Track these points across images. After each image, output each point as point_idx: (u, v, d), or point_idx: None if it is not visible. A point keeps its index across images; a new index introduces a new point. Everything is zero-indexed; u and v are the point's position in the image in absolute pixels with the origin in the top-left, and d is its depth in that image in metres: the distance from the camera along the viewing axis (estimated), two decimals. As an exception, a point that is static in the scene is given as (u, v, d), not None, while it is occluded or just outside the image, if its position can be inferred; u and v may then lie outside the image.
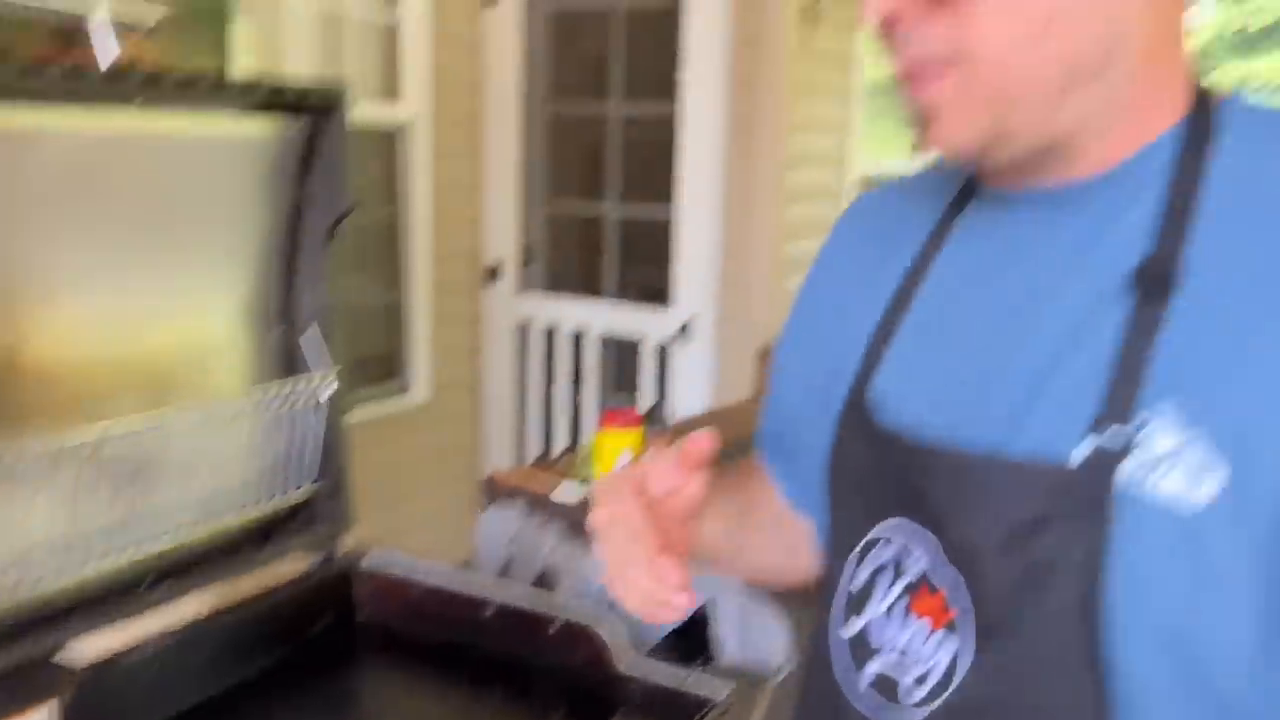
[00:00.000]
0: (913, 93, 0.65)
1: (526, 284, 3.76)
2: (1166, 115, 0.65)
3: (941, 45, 0.62)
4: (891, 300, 0.77)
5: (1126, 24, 0.62)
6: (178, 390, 1.18)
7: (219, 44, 1.66)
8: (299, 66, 2.99)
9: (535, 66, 3.63)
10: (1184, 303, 0.60)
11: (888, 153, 5.27)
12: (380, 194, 3.31)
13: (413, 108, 3.35)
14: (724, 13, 3.14)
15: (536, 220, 3.77)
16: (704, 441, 0.69)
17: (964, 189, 0.78)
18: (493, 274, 3.72)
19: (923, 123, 0.66)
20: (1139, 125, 0.65)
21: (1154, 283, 0.61)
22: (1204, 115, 0.65)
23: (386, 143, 3.35)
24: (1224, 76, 24.31)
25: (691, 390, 3.38)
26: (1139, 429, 0.59)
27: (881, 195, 0.89)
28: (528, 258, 3.74)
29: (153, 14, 1.33)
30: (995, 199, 0.73)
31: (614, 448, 1.62)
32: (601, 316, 3.60)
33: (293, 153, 1.25)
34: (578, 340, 3.63)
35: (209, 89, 1.07)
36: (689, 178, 3.29)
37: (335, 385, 1.26)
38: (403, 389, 3.46)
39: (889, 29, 0.64)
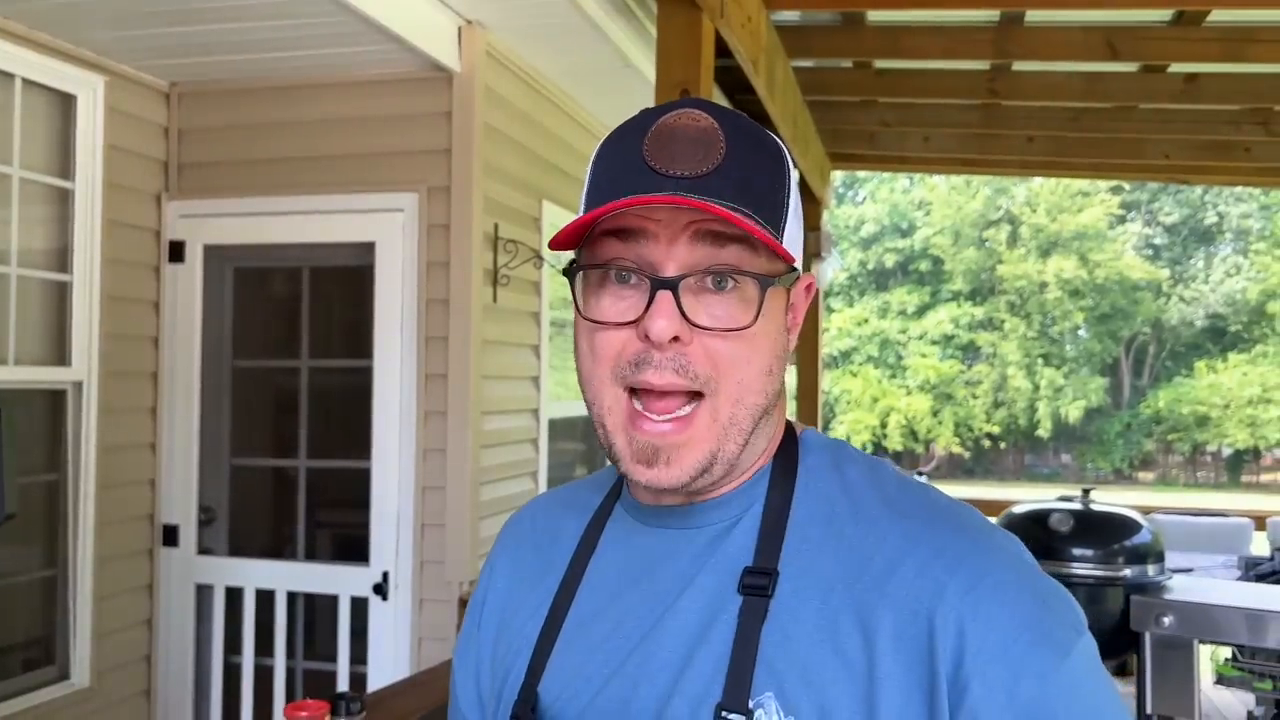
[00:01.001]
0: (647, 432, 0.76)
1: (206, 546, 3.54)
2: (772, 449, 0.84)
3: (697, 375, 0.75)
4: (552, 606, 0.87)
5: (781, 380, 0.81)
6: None
7: None
8: (-52, 330, 2.78)
9: (221, 321, 3.58)
10: (777, 605, 0.74)
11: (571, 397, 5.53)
12: (41, 460, 3.06)
13: (82, 369, 3.18)
14: (413, 273, 3.29)
15: (219, 478, 3.60)
16: None
17: (607, 498, 0.91)
18: (171, 536, 3.49)
19: (649, 459, 0.76)
20: (756, 460, 0.82)
21: (755, 590, 0.75)
22: (792, 447, 0.84)
23: (52, 404, 3.13)
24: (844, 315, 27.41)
25: (394, 645, 3.27)
26: (752, 711, 0.71)
27: (535, 508, 0.99)
28: (208, 517, 3.54)
29: None
30: (635, 510, 0.87)
31: (302, 739, 1.55)
32: (291, 576, 3.44)
33: (-62, 461, 1.17)
34: (266, 603, 3.43)
35: None
36: (383, 430, 3.31)
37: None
38: (61, 675, 3.09)
39: (654, 350, 0.74)
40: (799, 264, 0.79)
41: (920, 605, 0.71)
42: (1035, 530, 4.14)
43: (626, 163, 0.76)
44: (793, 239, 0.79)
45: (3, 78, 2.95)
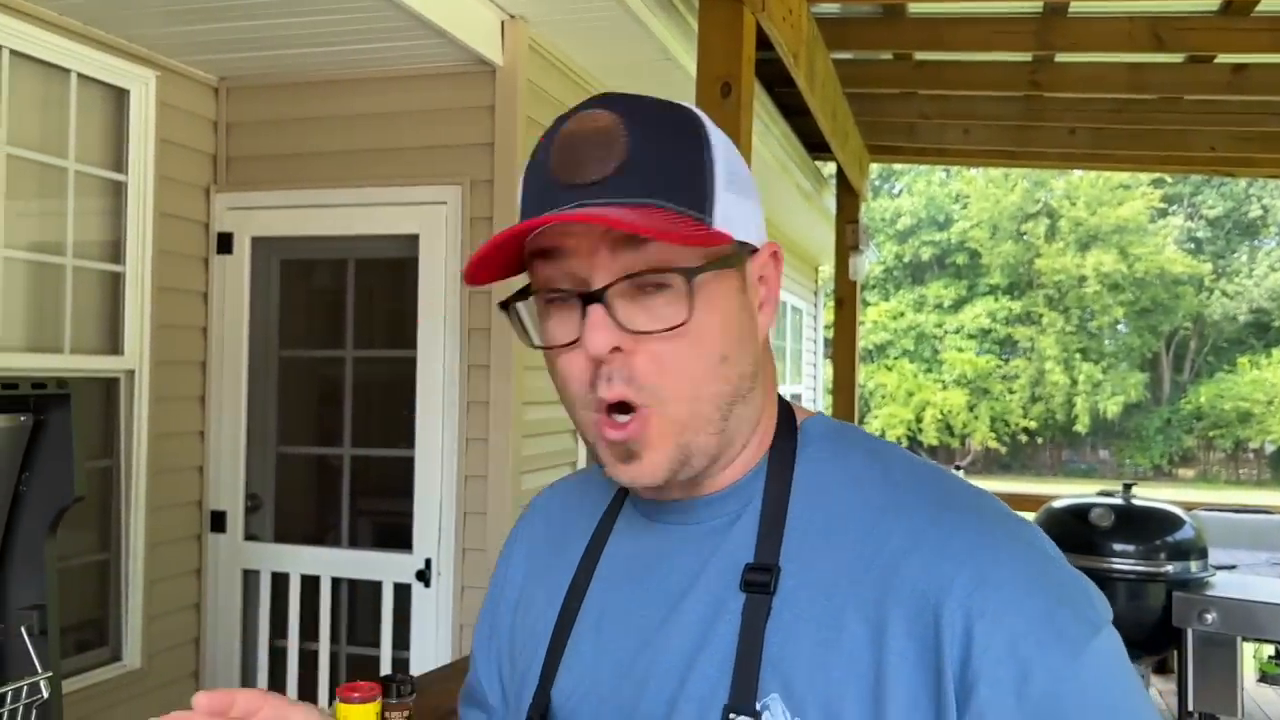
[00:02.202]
0: (612, 436, 0.76)
1: (253, 532, 3.61)
2: (767, 439, 0.81)
3: (644, 385, 0.74)
4: (565, 601, 0.87)
5: (759, 360, 0.79)
6: None
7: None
8: (12, 313, 2.86)
9: (268, 312, 3.65)
10: (779, 602, 0.73)
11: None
12: (96, 446, 3.14)
13: (134, 358, 3.25)
14: (456, 265, 3.33)
15: (266, 466, 3.67)
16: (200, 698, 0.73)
17: (619, 492, 0.90)
18: (219, 522, 3.56)
19: (624, 456, 0.76)
20: (755, 448, 0.80)
21: (757, 587, 0.74)
22: (790, 437, 0.81)
23: (106, 392, 3.21)
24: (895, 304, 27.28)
25: (436, 631, 3.32)
26: (759, 712, 0.71)
27: (553, 496, 0.99)
28: (254, 504, 3.61)
29: None
30: (640, 505, 0.86)
31: None
32: (336, 562, 3.51)
33: (14, 444, 1.22)
34: (311, 588, 3.50)
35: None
36: (426, 420, 3.36)
37: (45, 696, 1.18)
38: (114, 656, 3.17)
39: (600, 365, 0.74)
40: (747, 235, 0.76)
41: (926, 602, 0.69)
42: (1075, 525, 4.12)
43: (538, 179, 0.75)
44: (731, 215, 0.74)
45: (59, 73, 3.02)
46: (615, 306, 0.72)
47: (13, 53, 2.84)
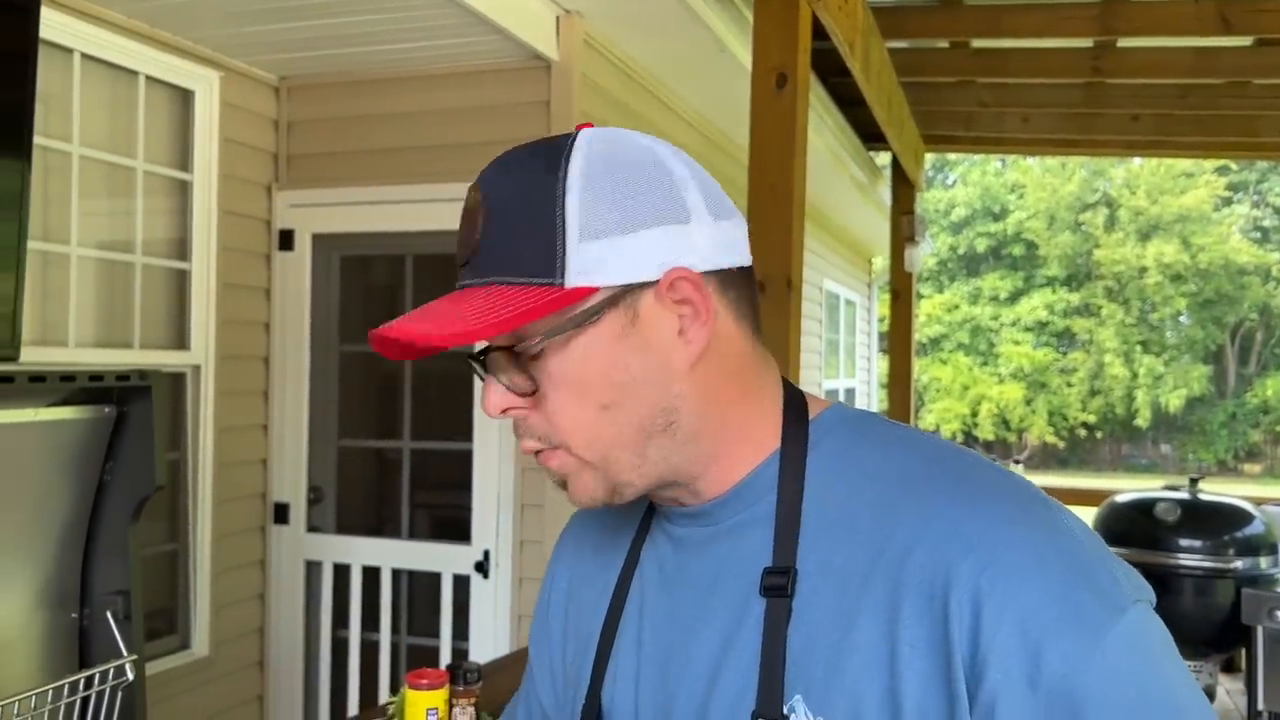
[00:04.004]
0: (544, 464, 0.80)
1: (315, 524, 3.68)
2: (769, 439, 0.80)
3: (541, 436, 0.78)
4: (609, 609, 0.88)
5: (679, 398, 0.77)
6: (-40, 690, 1.11)
7: (10, 317, 1.65)
8: (85, 310, 2.94)
9: (328, 307, 3.71)
10: (799, 603, 0.73)
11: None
12: (165, 440, 3.21)
13: (200, 353, 3.32)
14: (512, 261, 3.36)
15: (327, 459, 3.74)
16: None
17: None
18: (282, 514, 3.63)
19: (561, 484, 0.81)
20: (740, 455, 0.80)
21: (776, 591, 0.74)
22: (802, 431, 0.80)
23: (172, 387, 3.28)
24: (953, 294, 26.92)
25: (494, 622, 3.36)
26: (787, 717, 0.71)
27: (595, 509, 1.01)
28: (316, 496, 3.68)
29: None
30: (666, 514, 0.87)
31: (421, 707, 1.61)
32: (396, 553, 3.56)
33: (98, 435, 1.26)
34: (372, 579, 3.56)
35: (26, 385, 1.09)
36: (484, 414, 3.39)
37: (130, 678, 1.22)
38: (182, 644, 3.25)
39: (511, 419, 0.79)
40: (629, 274, 0.73)
41: (935, 589, 0.67)
42: (1140, 520, 4.04)
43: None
44: (597, 260, 0.73)
45: (127, 75, 3.10)
46: (498, 375, 0.77)
47: (84, 56, 2.91)
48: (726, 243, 0.78)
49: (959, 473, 0.75)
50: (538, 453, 0.79)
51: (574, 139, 0.77)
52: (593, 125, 0.79)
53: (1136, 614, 0.66)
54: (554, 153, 0.76)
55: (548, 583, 0.99)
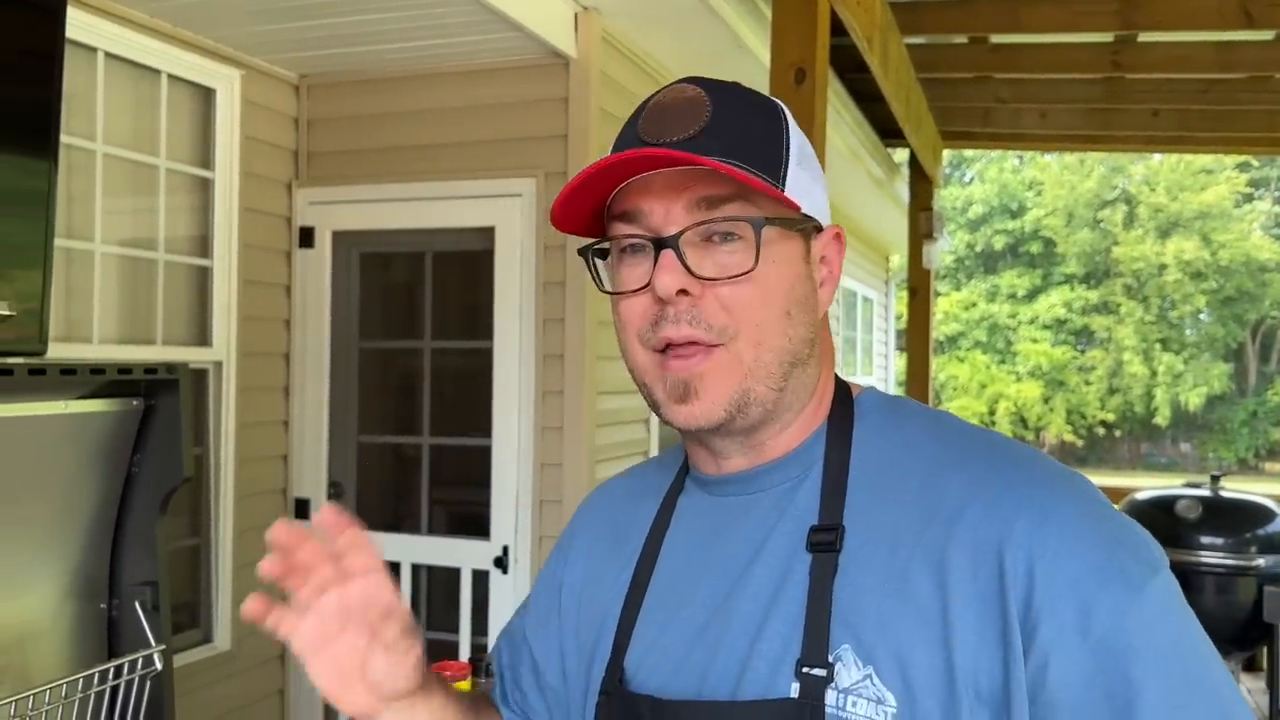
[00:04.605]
0: (674, 368, 0.80)
1: (338, 518, 3.69)
2: (824, 409, 0.86)
3: (711, 325, 0.78)
4: (632, 583, 0.90)
5: (817, 329, 0.83)
6: (-8, 678, 1.13)
7: (38, 314, 1.66)
8: (109, 307, 2.97)
9: (348, 304, 3.73)
10: (845, 559, 0.76)
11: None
12: (188, 432, 3.24)
13: (221, 349, 3.35)
14: (531, 257, 3.37)
15: (347, 455, 3.76)
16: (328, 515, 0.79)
17: (677, 477, 0.94)
18: (302, 510, 3.65)
19: (681, 395, 0.80)
20: (811, 416, 0.85)
21: (823, 547, 0.77)
22: (847, 408, 0.86)
23: (195, 383, 3.31)
24: (970, 292, 26.80)
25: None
26: (832, 665, 0.73)
27: (613, 489, 1.03)
28: (336, 492, 3.70)
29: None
30: (703, 483, 0.89)
31: (445, 697, 1.62)
32: (416, 549, 3.58)
33: (126, 428, 1.27)
34: (392, 574, 3.57)
35: (57, 377, 1.10)
36: (503, 409, 3.40)
37: (158, 668, 1.23)
38: (205, 638, 3.27)
39: (668, 305, 0.78)
40: (814, 212, 0.82)
41: (989, 545, 0.71)
42: (1160, 517, 4.02)
43: (626, 138, 0.82)
44: (800, 189, 0.80)
45: (151, 74, 3.12)
46: (685, 253, 0.77)
47: (107, 55, 2.94)
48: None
49: (995, 443, 0.81)
50: (687, 344, 0.78)
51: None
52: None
53: (1166, 574, 0.73)
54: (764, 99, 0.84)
55: (556, 565, 1.00)
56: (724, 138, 0.77)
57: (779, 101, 0.85)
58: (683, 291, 0.77)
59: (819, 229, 0.84)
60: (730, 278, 0.77)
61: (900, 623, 0.72)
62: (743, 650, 0.77)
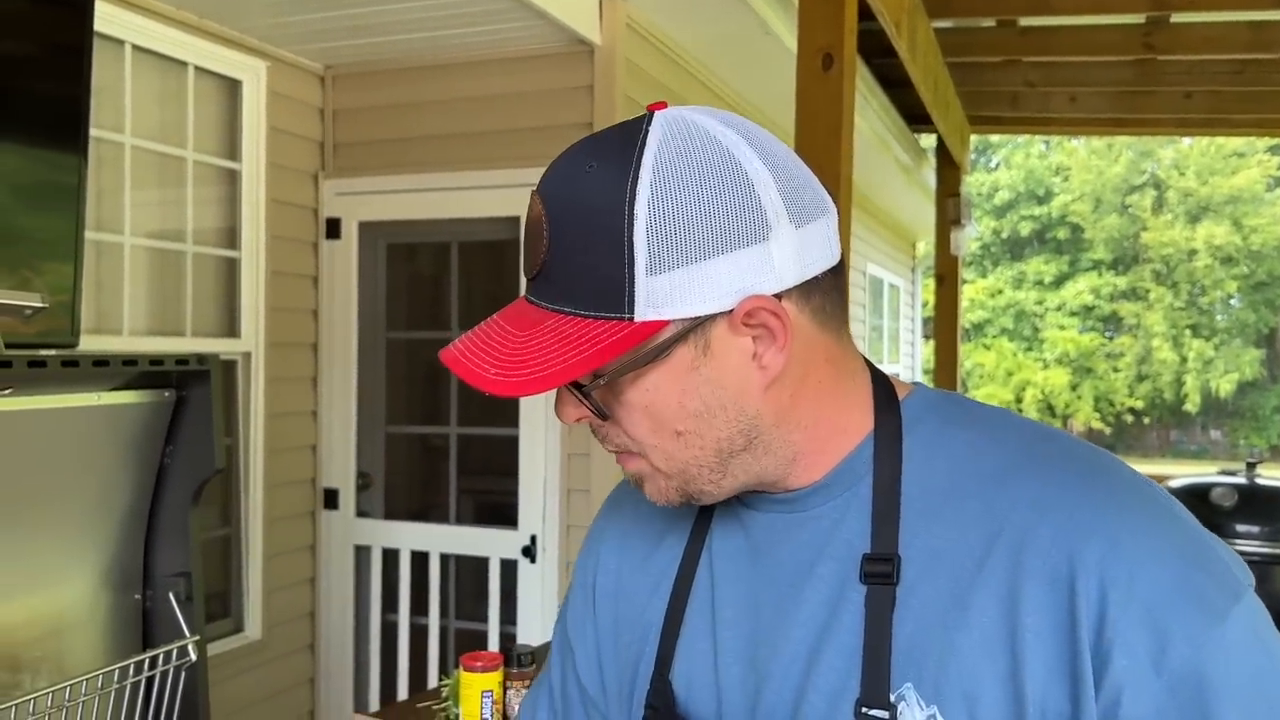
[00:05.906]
0: (621, 464, 0.80)
1: (364, 509, 3.71)
2: (858, 426, 0.78)
3: (620, 444, 0.77)
4: (673, 593, 0.85)
5: (757, 418, 0.74)
6: (31, 667, 1.14)
7: (68, 307, 1.67)
8: (138, 299, 2.99)
9: (375, 294, 3.73)
10: (904, 591, 0.71)
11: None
12: (220, 423, 3.26)
13: (250, 340, 3.36)
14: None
15: (375, 445, 3.77)
16: None
17: None
18: (331, 500, 3.67)
19: (636, 484, 0.80)
20: (830, 447, 0.77)
21: (879, 579, 0.72)
22: (894, 416, 0.78)
23: (224, 374, 3.32)
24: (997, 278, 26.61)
25: (542, 606, 3.38)
26: (894, 705, 0.69)
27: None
28: (365, 482, 3.72)
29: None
30: (744, 499, 0.83)
31: (476, 689, 1.62)
32: (444, 539, 3.59)
33: (158, 419, 1.27)
34: (420, 564, 3.59)
35: (90, 369, 1.10)
36: (530, 399, 3.40)
37: (193, 658, 1.24)
38: (236, 627, 3.30)
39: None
40: (702, 305, 0.69)
41: (1060, 573, 0.67)
42: (1195, 505, 3.96)
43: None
44: (665, 293, 0.68)
45: (177, 66, 3.13)
46: (571, 388, 0.74)
47: (135, 47, 2.95)
48: (810, 249, 0.72)
49: (1062, 453, 0.74)
50: (617, 450, 0.79)
51: (643, 140, 0.70)
52: (666, 105, 0.74)
53: (1250, 598, 0.68)
54: (621, 160, 0.70)
55: (588, 568, 0.96)
56: (556, 278, 0.71)
57: (635, 151, 0.70)
58: (582, 419, 0.76)
59: (720, 314, 0.70)
60: (592, 417, 0.75)
61: (965, 658, 0.68)
62: (796, 680, 0.74)
